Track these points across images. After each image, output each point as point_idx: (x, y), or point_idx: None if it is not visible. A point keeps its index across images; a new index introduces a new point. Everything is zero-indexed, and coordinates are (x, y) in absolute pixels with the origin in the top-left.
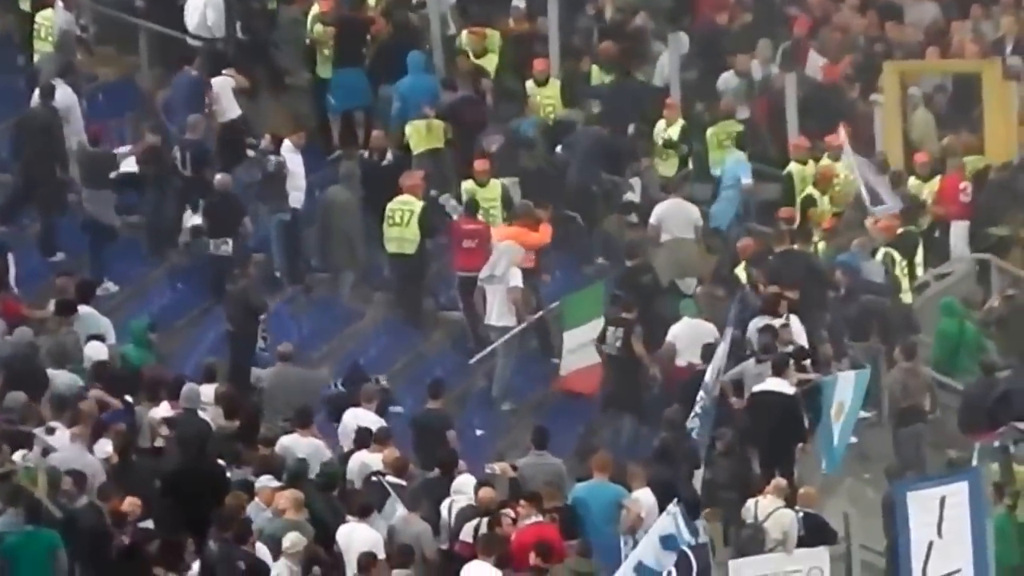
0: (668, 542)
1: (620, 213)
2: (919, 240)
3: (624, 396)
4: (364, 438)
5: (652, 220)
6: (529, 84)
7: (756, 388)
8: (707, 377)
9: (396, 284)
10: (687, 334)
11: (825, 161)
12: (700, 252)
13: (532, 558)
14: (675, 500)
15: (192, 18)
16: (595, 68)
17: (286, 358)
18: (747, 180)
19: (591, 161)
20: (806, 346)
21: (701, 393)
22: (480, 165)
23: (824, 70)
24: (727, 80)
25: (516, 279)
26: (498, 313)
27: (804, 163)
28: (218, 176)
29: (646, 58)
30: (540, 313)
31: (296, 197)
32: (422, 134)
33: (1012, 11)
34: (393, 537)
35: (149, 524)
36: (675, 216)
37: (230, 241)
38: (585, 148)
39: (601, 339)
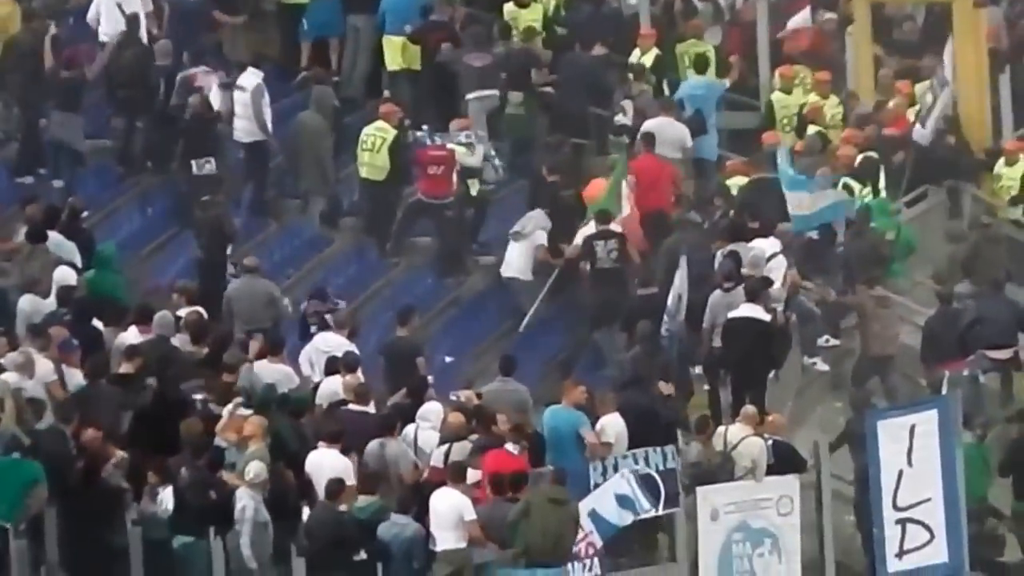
0: (625, 502)
1: (613, 135)
2: (879, 166)
3: (619, 309)
4: (334, 364)
5: (640, 136)
6: (509, 7)
7: (731, 314)
8: (669, 301)
9: (366, 210)
10: None
11: (813, 97)
12: (684, 173)
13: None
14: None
15: None
16: None
17: (252, 270)
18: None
19: (580, 87)
20: (777, 278)
21: (665, 318)
22: None
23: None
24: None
25: (542, 238)
26: (517, 267)
27: (788, 92)
28: (192, 97)
29: None
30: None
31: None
32: (398, 51)
33: None
34: (364, 462)
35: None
36: (663, 134)
37: (213, 160)
38: (573, 75)
39: (587, 255)
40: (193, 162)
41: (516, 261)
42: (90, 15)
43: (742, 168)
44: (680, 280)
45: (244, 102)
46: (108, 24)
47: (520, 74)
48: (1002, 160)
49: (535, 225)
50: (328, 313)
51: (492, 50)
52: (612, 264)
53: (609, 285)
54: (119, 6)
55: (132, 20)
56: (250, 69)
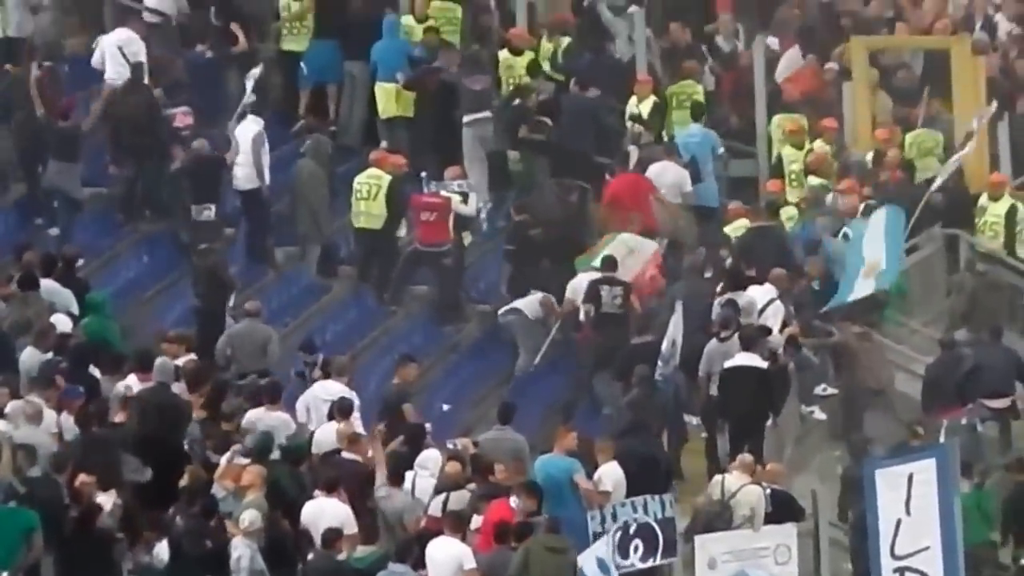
0: (602, 565)
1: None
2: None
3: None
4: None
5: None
6: (504, 54)
7: (728, 364)
8: (663, 347)
9: (361, 259)
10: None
11: (818, 144)
12: (688, 219)
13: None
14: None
15: None
16: (565, 41)
17: (253, 314)
18: (721, 150)
19: (582, 130)
20: (775, 325)
21: (659, 363)
22: (517, 31)
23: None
24: None
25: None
26: (522, 303)
27: (800, 147)
28: (197, 142)
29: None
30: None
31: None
32: (391, 98)
33: None
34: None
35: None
36: (662, 177)
37: (212, 207)
38: (575, 117)
39: (592, 299)
40: (192, 207)
41: (520, 301)
42: (95, 59)
43: (743, 214)
44: (675, 326)
45: (244, 149)
46: (112, 68)
47: (512, 131)
48: (985, 195)
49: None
50: (314, 364)
51: (489, 72)
52: (616, 310)
53: (612, 330)
54: (121, 50)
55: (137, 67)
56: (250, 116)
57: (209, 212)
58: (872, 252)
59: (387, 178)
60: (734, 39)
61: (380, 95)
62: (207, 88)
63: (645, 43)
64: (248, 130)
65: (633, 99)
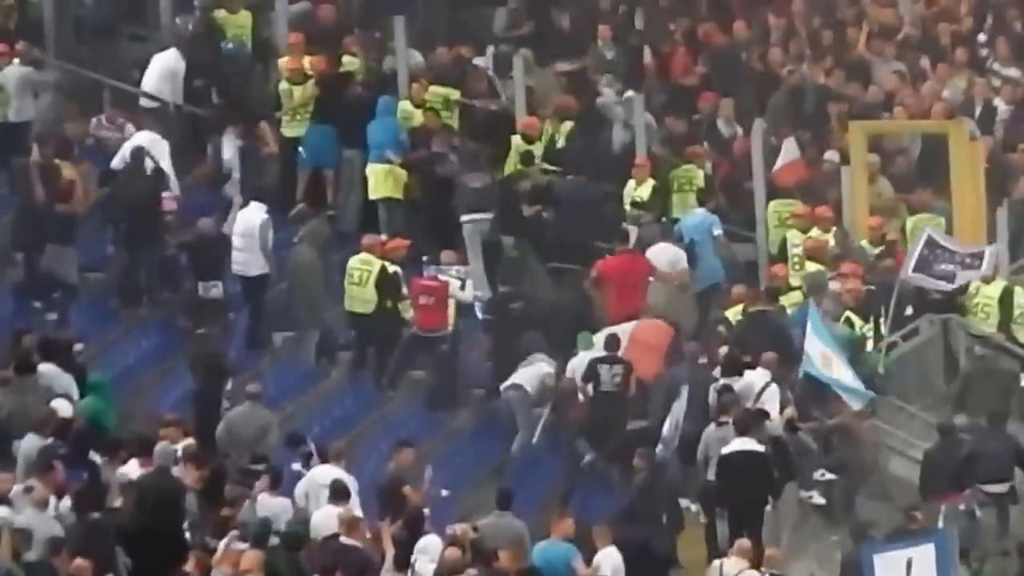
0: None
1: None
2: (881, 301)
3: (617, 435)
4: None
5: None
6: (517, 140)
7: (725, 450)
8: (665, 429)
9: (357, 343)
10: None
11: (815, 233)
12: (686, 300)
13: None
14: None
15: (152, 80)
16: (567, 126)
17: (254, 397)
18: (718, 231)
19: (583, 216)
20: (772, 410)
21: (660, 445)
22: (528, 120)
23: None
24: None
25: (547, 367)
26: (523, 378)
27: (805, 231)
28: (203, 220)
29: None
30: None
31: (259, 262)
32: (380, 179)
33: (978, 73)
34: None
35: None
36: (659, 258)
37: (219, 284)
38: (574, 203)
39: (591, 378)
40: (200, 284)
41: (522, 376)
42: (115, 162)
43: (745, 297)
44: (679, 408)
45: (248, 235)
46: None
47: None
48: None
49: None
50: (310, 455)
51: (488, 172)
52: (615, 388)
53: (610, 410)
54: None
55: (136, 152)
56: (254, 203)
57: (217, 290)
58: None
59: (377, 263)
60: (734, 124)
61: (370, 175)
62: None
63: (644, 127)
64: (255, 216)
65: (631, 182)
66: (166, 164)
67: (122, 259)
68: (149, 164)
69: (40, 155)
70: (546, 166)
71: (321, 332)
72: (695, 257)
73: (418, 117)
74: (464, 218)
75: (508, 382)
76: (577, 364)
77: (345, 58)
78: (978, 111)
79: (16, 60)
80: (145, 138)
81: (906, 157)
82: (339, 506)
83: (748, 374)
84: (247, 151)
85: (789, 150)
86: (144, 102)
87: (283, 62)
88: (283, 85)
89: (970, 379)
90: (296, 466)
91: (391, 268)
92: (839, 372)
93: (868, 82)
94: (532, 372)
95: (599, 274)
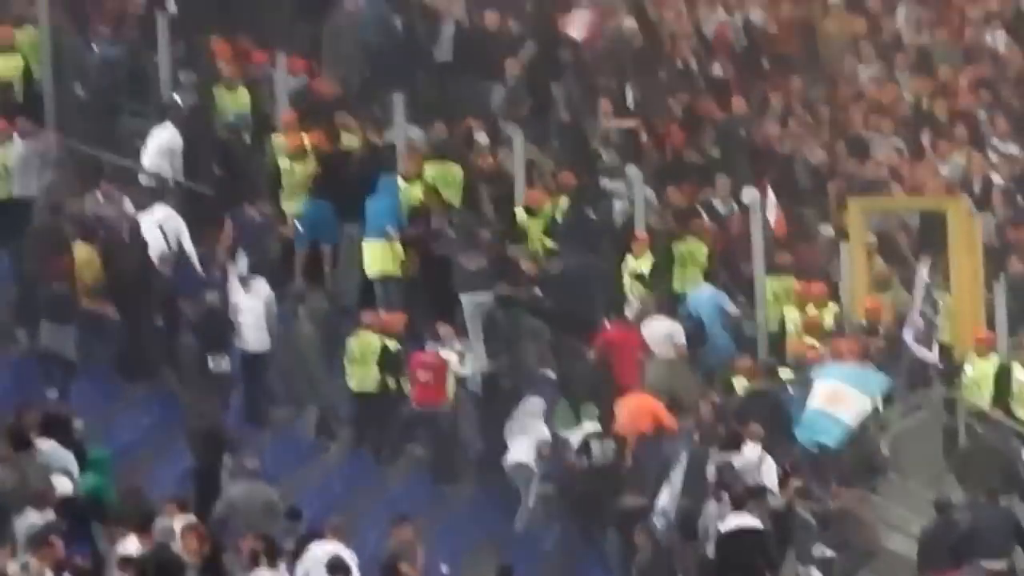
0: None
1: None
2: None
3: (612, 510)
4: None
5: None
6: (519, 213)
7: (723, 527)
8: (663, 500)
9: (357, 420)
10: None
11: (812, 311)
12: (687, 374)
13: None
14: None
15: (150, 156)
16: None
17: (253, 474)
18: (732, 308)
19: (581, 293)
20: (770, 483)
21: (658, 516)
22: (533, 193)
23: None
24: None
25: (544, 432)
26: (524, 453)
27: (802, 308)
28: (209, 294)
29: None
30: None
31: (262, 337)
32: (377, 255)
33: (976, 150)
34: None
35: None
36: (656, 332)
37: (227, 357)
38: (572, 280)
39: (583, 452)
40: (209, 358)
41: (521, 450)
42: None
43: (748, 370)
44: (677, 479)
45: (255, 311)
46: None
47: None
48: (972, 352)
49: (531, 414)
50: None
51: (484, 251)
52: (607, 462)
53: (602, 484)
54: (161, 228)
55: (133, 228)
56: (259, 278)
57: (226, 363)
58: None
59: (379, 341)
60: (731, 201)
61: (366, 252)
62: (257, 249)
63: (643, 201)
64: (261, 292)
65: (630, 257)
66: (185, 240)
67: (119, 334)
68: (163, 240)
69: (39, 232)
70: (546, 241)
71: (320, 407)
72: (706, 335)
73: (415, 192)
74: (464, 297)
75: (511, 459)
76: (572, 439)
77: (343, 134)
78: (977, 187)
79: (17, 135)
80: (162, 214)
81: (905, 233)
82: None
83: (747, 449)
84: (248, 225)
85: (770, 205)
86: (144, 179)
87: (284, 139)
88: (284, 162)
89: (969, 456)
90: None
91: (392, 345)
92: (847, 405)
93: (866, 158)
94: (532, 442)
95: (604, 344)
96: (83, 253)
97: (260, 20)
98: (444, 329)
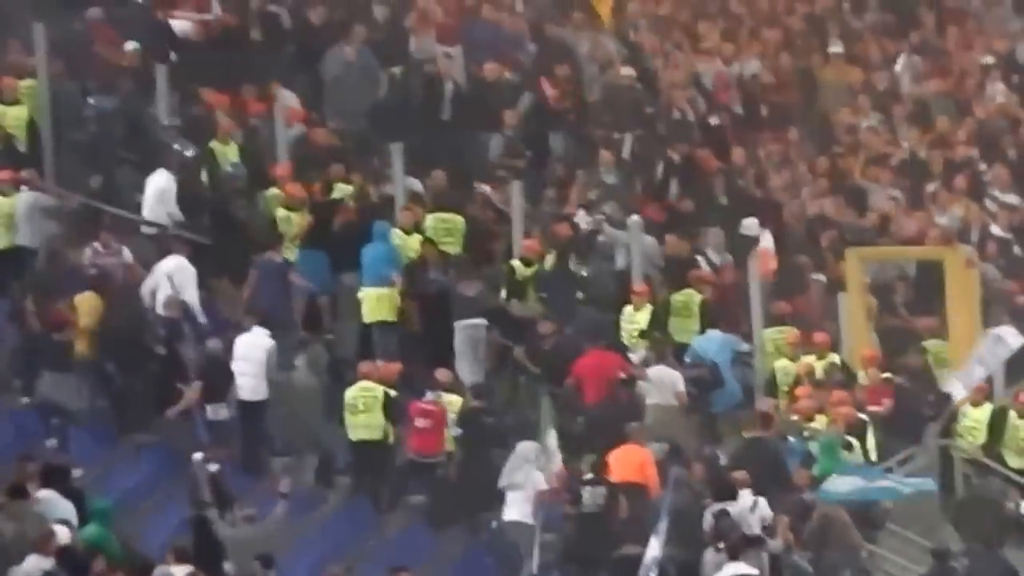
0: None
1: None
2: (867, 426)
3: (602, 557)
4: None
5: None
6: (516, 264)
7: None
8: (648, 555)
9: (362, 471)
10: None
11: (807, 359)
12: (687, 422)
13: None
14: None
15: (148, 204)
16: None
17: (250, 520)
18: (745, 346)
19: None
20: (761, 527)
21: (652, 568)
22: (529, 243)
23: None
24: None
25: (540, 481)
26: (519, 512)
27: (796, 360)
28: (211, 342)
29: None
30: None
31: (261, 387)
32: (373, 303)
33: (975, 199)
34: None
35: None
36: (658, 383)
37: (226, 407)
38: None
39: (574, 499)
40: (208, 407)
41: (517, 507)
42: (144, 289)
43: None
44: (660, 535)
45: (252, 359)
46: (163, 295)
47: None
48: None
49: (526, 461)
50: None
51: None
52: (596, 510)
53: (591, 531)
54: (170, 278)
55: (129, 278)
56: (256, 327)
57: (224, 412)
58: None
59: (380, 389)
60: (723, 252)
61: (363, 299)
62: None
63: (641, 253)
64: (259, 340)
65: (628, 308)
66: (191, 289)
67: (116, 385)
68: (169, 290)
69: (38, 283)
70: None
71: (318, 457)
72: (722, 378)
73: (412, 244)
74: (458, 324)
75: (508, 516)
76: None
77: (338, 184)
78: (975, 237)
79: (23, 186)
80: (172, 264)
81: (904, 284)
82: None
83: (743, 497)
84: (270, 272)
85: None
86: (145, 229)
87: (284, 189)
88: (281, 212)
89: (965, 504)
90: None
91: (393, 393)
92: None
93: (864, 208)
94: (528, 497)
95: (575, 376)
96: (91, 302)
97: (258, 70)
98: (442, 373)
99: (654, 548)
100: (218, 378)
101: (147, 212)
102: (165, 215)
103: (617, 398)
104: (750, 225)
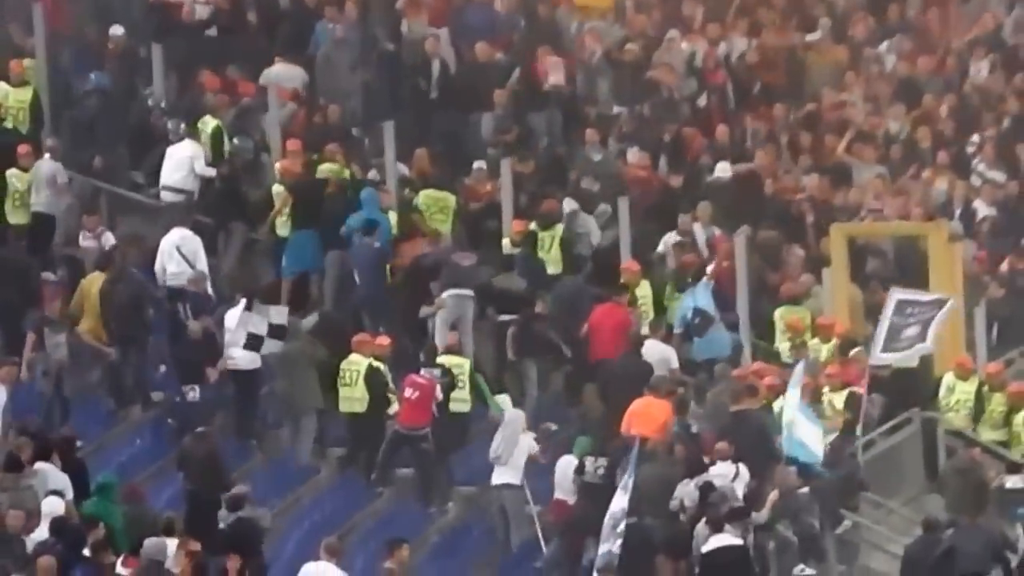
0: None
1: None
2: (860, 401)
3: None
4: None
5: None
6: (505, 243)
7: (704, 549)
8: (614, 509)
9: (348, 442)
10: None
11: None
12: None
13: None
14: None
15: (174, 171)
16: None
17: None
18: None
19: (570, 314)
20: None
21: (619, 520)
22: (518, 225)
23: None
24: (667, 241)
25: (533, 446)
26: (513, 474)
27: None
28: (192, 324)
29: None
30: None
31: (252, 356)
32: None
33: (957, 175)
34: None
35: None
36: (650, 356)
37: (197, 388)
38: (562, 303)
39: (579, 470)
40: (183, 388)
41: (509, 470)
42: (157, 264)
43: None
44: (620, 500)
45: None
46: (172, 267)
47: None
48: (951, 374)
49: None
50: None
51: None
52: (599, 481)
53: (593, 501)
54: (178, 249)
55: (119, 254)
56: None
57: (194, 393)
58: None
59: (365, 362)
60: (712, 228)
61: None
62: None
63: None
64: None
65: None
66: (201, 260)
67: (112, 360)
68: (180, 261)
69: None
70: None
71: (311, 431)
72: (713, 318)
73: (402, 218)
74: (447, 293)
75: (498, 478)
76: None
77: (325, 164)
78: (958, 212)
79: (48, 155)
80: (177, 235)
81: (883, 259)
82: None
83: (722, 467)
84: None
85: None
86: (167, 195)
87: (282, 165)
88: (276, 187)
89: (947, 476)
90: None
91: (376, 364)
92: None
93: (849, 185)
94: (519, 458)
95: (588, 326)
96: (98, 282)
97: (250, 51)
98: (452, 336)
99: (621, 501)
100: (192, 360)
101: (168, 180)
102: (191, 182)
103: (636, 350)
104: (722, 168)
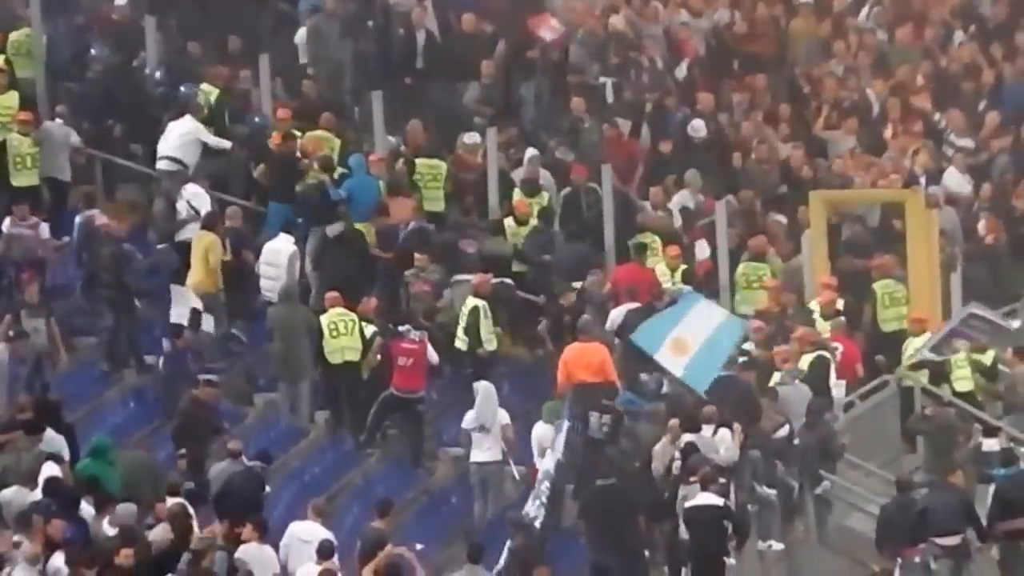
0: None
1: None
2: (831, 363)
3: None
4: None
5: (607, 324)
6: (509, 222)
7: (687, 504)
8: (547, 464)
9: (346, 396)
10: None
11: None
12: None
13: None
14: None
15: (173, 143)
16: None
17: (235, 455)
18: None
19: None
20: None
21: (544, 482)
22: (520, 202)
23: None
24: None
25: (504, 417)
26: (491, 451)
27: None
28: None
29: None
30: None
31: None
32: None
33: (926, 144)
34: None
35: None
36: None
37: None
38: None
39: (581, 421)
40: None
41: (486, 448)
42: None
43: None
44: (559, 446)
45: (276, 264)
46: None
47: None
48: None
49: (492, 403)
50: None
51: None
52: (601, 436)
53: (595, 456)
54: (189, 203)
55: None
56: (282, 235)
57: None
58: (688, 333)
59: (354, 315)
60: (699, 195)
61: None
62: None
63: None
64: (283, 246)
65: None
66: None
67: (107, 324)
68: (190, 212)
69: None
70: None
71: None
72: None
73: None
74: (454, 279)
75: (477, 457)
76: (541, 434)
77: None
78: (923, 181)
79: (59, 120)
80: (190, 190)
81: (862, 226)
82: (322, 564)
83: (706, 429)
84: None
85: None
86: (163, 165)
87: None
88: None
89: (923, 436)
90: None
91: (367, 328)
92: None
93: (825, 154)
94: (495, 435)
95: (612, 282)
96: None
97: (244, 25)
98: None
99: (548, 462)
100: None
101: (167, 152)
102: (191, 155)
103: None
104: (697, 127)
